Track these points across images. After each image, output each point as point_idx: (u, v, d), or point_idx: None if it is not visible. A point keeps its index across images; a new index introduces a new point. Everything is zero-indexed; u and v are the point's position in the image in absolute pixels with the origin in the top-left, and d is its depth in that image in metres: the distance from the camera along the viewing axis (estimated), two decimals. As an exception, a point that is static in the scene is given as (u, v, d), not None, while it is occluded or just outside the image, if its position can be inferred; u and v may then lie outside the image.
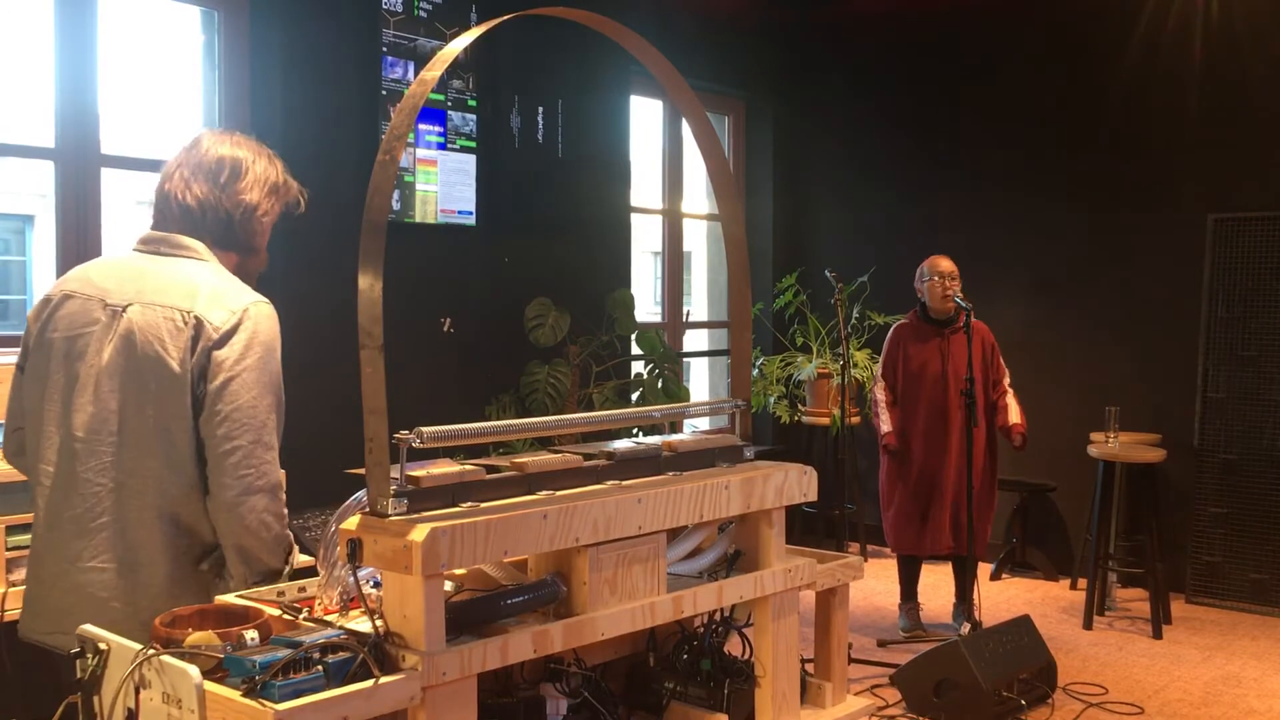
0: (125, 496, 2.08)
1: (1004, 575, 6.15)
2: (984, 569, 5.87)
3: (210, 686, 1.77)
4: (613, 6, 3.56)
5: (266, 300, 2.16)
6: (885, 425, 5.03)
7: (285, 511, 2.18)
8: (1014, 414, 4.97)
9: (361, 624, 2.03)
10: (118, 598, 2.11)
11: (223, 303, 2.06)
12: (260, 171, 2.19)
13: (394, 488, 1.98)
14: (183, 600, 2.09)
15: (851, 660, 4.28)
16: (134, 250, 2.15)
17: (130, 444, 2.07)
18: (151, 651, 1.84)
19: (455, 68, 5.06)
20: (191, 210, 2.10)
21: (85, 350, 2.07)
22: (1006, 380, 5.04)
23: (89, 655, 1.96)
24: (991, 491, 5.03)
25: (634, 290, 5.90)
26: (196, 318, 2.03)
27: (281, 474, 2.16)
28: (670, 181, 6.72)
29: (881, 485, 5.10)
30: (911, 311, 5.12)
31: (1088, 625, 5.21)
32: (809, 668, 2.85)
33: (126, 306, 2.05)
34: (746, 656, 2.59)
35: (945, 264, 4.98)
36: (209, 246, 2.14)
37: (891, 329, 5.16)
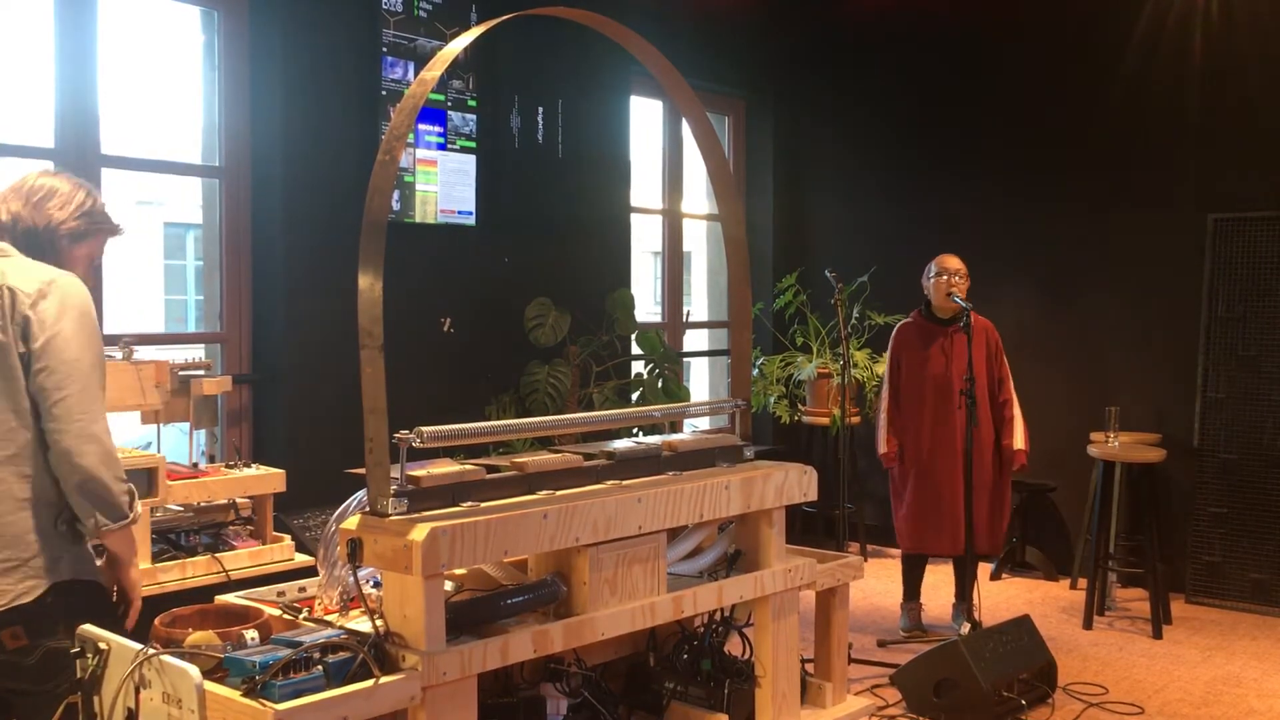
0: None
1: (1004, 575, 6.15)
2: (984, 569, 5.87)
3: (210, 686, 1.77)
4: (613, 6, 3.56)
5: (72, 274, 2.39)
6: (882, 445, 5.02)
7: (119, 456, 2.34)
8: (1019, 437, 4.93)
9: (361, 624, 2.03)
10: None
11: (32, 275, 2.32)
12: (70, 195, 2.47)
13: (394, 488, 1.98)
14: (37, 555, 2.27)
15: (851, 660, 4.27)
16: None
17: None
18: (152, 651, 1.84)
19: (455, 68, 5.05)
20: (3, 222, 2.41)
21: None
22: (1011, 386, 5.01)
23: (89, 655, 1.97)
24: (1004, 487, 4.99)
25: (634, 290, 5.89)
26: (9, 288, 2.28)
27: (108, 423, 2.36)
28: (670, 181, 6.72)
29: (893, 484, 5.08)
30: (915, 310, 5.11)
31: (1088, 625, 5.21)
32: (809, 668, 2.85)
33: None
34: (746, 656, 2.59)
35: (953, 262, 4.97)
36: (25, 255, 2.40)
37: (895, 328, 5.15)
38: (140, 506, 2.41)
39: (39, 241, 2.41)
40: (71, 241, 2.45)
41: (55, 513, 2.30)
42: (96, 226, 2.50)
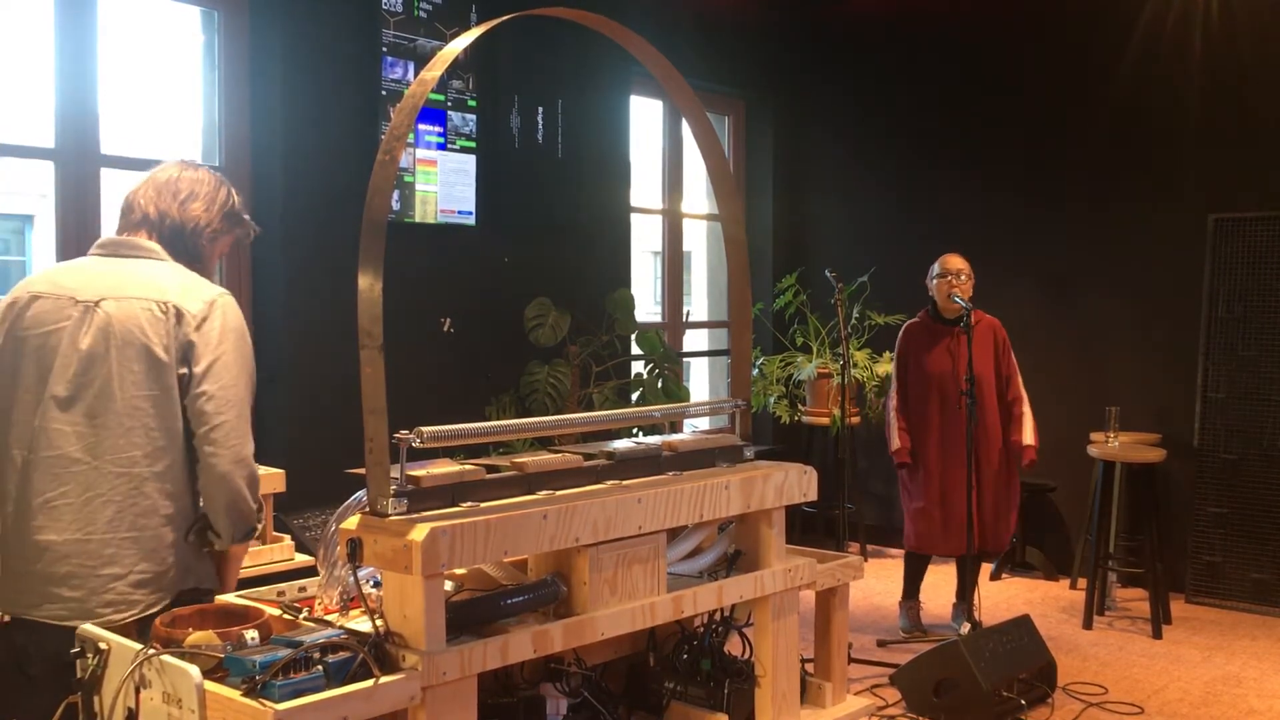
0: (102, 474, 2.23)
1: (1004, 575, 6.15)
2: (984, 569, 5.87)
3: (210, 686, 1.77)
4: (613, 6, 3.56)
5: (228, 292, 2.38)
6: (895, 441, 5.00)
7: (259, 478, 2.38)
8: (1028, 433, 4.92)
9: (361, 624, 2.03)
10: (84, 566, 2.24)
11: (195, 294, 2.29)
12: (215, 194, 2.44)
13: (394, 488, 1.98)
14: (171, 568, 2.30)
15: (851, 660, 4.27)
16: (93, 255, 2.38)
17: (111, 426, 2.22)
18: (152, 651, 1.84)
19: (455, 68, 5.05)
20: (150, 218, 2.37)
21: (59, 344, 2.25)
22: (1019, 383, 5.01)
23: (89, 655, 1.97)
24: (1012, 483, 4.99)
25: (634, 290, 5.89)
26: (175, 307, 2.25)
27: (253, 445, 2.38)
28: (670, 181, 6.72)
29: (903, 484, 5.07)
30: (923, 310, 5.11)
31: (1088, 625, 5.21)
32: (809, 668, 2.85)
33: (100, 301, 2.26)
34: (746, 656, 2.59)
35: (956, 262, 4.96)
36: (169, 256, 2.37)
37: (903, 328, 5.14)
38: (263, 517, 2.44)
39: (184, 242, 2.39)
40: (211, 240, 2.43)
41: (188, 526, 2.32)
42: (233, 225, 2.48)
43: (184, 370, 2.25)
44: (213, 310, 2.28)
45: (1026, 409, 4.95)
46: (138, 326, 2.23)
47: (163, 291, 2.26)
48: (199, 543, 2.35)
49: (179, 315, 2.24)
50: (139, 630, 2.24)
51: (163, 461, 2.26)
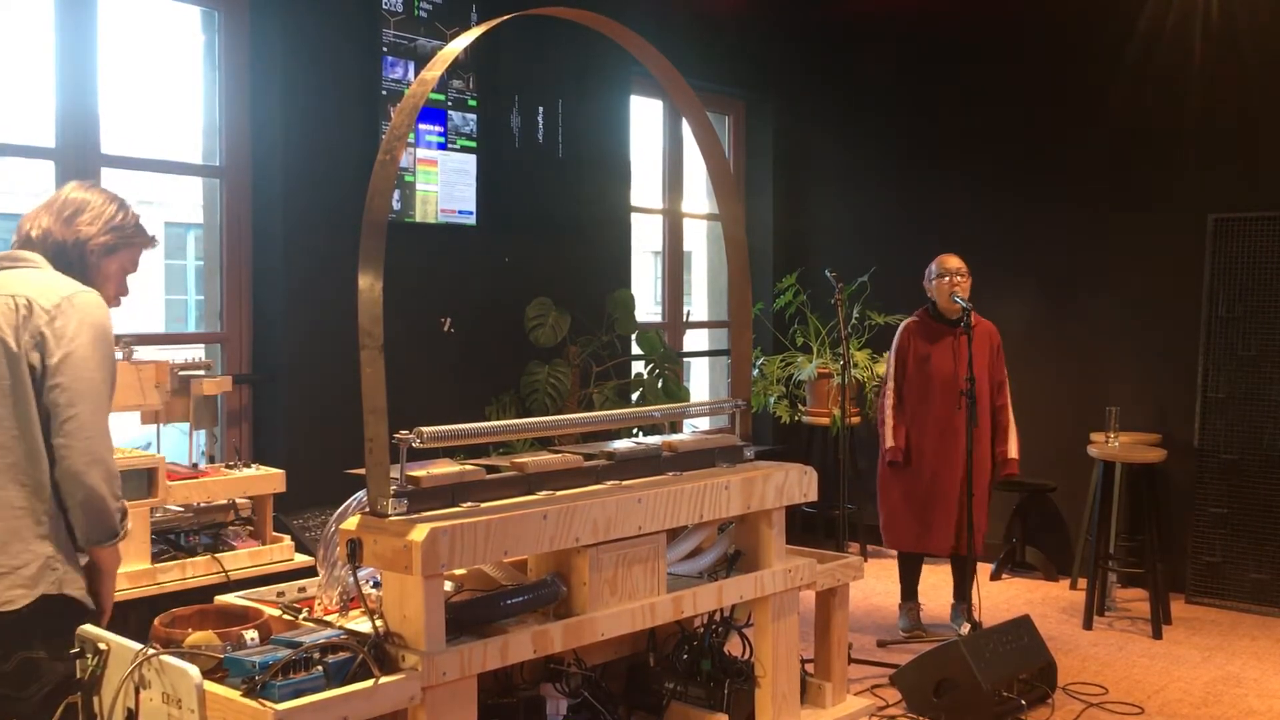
0: None
1: (1004, 575, 6.15)
2: (984, 569, 5.87)
3: (210, 686, 1.77)
4: (613, 6, 3.56)
5: (93, 290, 2.41)
6: (889, 439, 5.00)
7: (119, 476, 2.38)
8: (1013, 446, 4.95)
9: (361, 624, 2.03)
10: None
11: (53, 290, 2.34)
12: (100, 209, 2.49)
13: (394, 488, 1.98)
14: (28, 564, 2.28)
15: (851, 660, 4.27)
16: None
17: None
18: (151, 651, 1.84)
19: (455, 68, 5.05)
20: (33, 238, 2.44)
21: None
22: (1007, 392, 5.01)
23: (89, 655, 1.97)
24: (988, 490, 5.01)
25: (634, 290, 5.89)
26: (28, 300, 2.31)
27: (112, 441, 2.39)
28: (670, 181, 6.72)
29: (881, 479, 5.07)
30: (921, 310, 5.10)
31: (1088, 625, 5.21)
32: (809, 668, 2.85)
33: None
34: (746, 656, 2.59)
35: (953, 262, 4.96)
36: (52, 268, 2.42)
37: (900, 327, 5.13)
38: (130, 524, 2.44)
39: (68, 257, 2.43)
40: (102, 256, 2.47)
41: (51, 523, 2.30)
42: (127, 240, 2.51)
43: (36, 361, 2.28)
44: (69, 304, 2.31)
45: (1011, 419, 4.98)
46: None
47: (22, 288, 2.32)
48: (67, 545, 2.33)
49: (30, 307, 2.29)
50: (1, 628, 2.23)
51: (14, 453, 2.27)
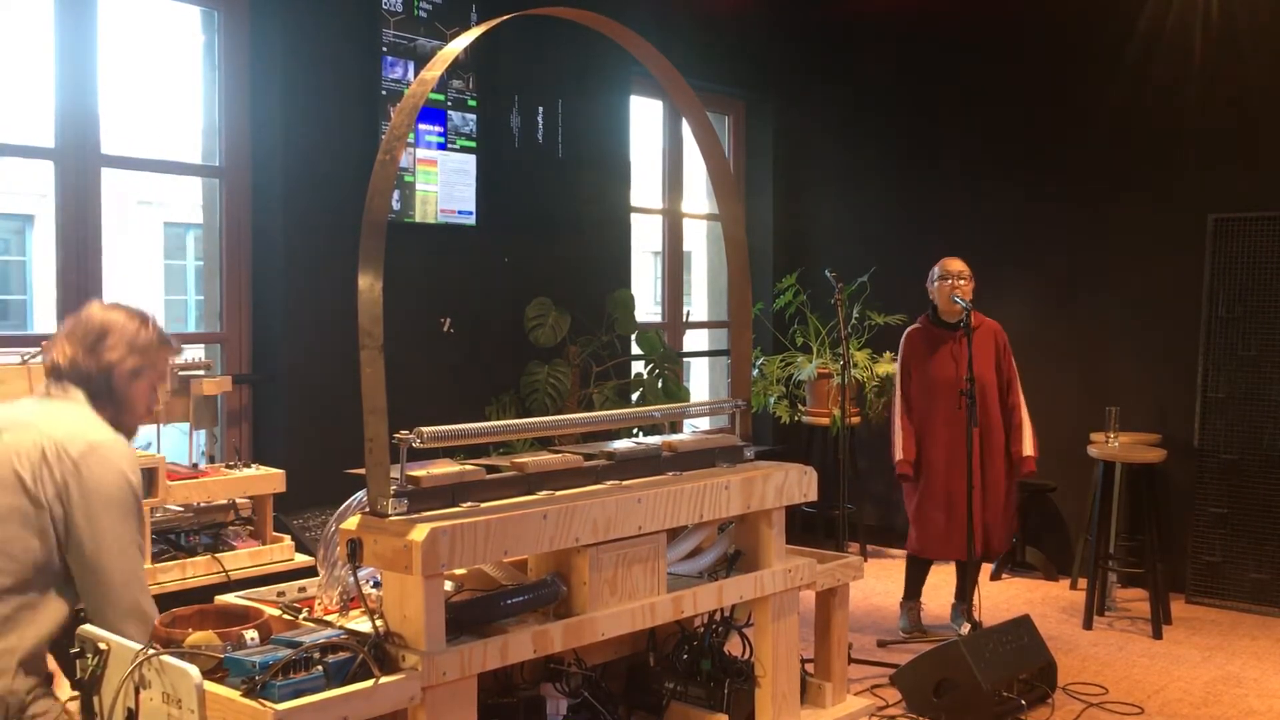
0: None
1: (1004, 575, 6.15)
2: (984, 569, 5.87)
3: (210, 686, 1.77)
4: (613, 6, 3.56)
5: (120, 436, 2.38)
6: (899, 452, 4.97)
7: (155, 609, 2.32)
8: (1028, 444, 4.90)
9: (361, 624, 2.03)
10: None
11: (80, 435, 2.29)
12: (122, 332, 2.45)
13: (394, 488, 1.98)
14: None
15: (851, 660, 4.27)
16: (33, 395, 2.47)
17: None
18: (151, 651, 1.84)
19: (455, 68, 5.05)
20: (62, 369, 2.41)
21: None
22: (1019, 389, 4.99)
23: (89, 655, 1.96)
24: (1012, 489, 4.97)
25: (634, 290, 5.89)
26: (55, 445, 2.26)
27: (149, 598, 2.33)
28: (670, 181, 6.72)
29: (906, 489, 5.05)
30: (922, 316, 5.09)
31: (1088, 625, 5.21)
32: (809, 668, 2.85)
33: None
34: (746, 656, 2.59)
35: (956, 264, 4.95)
36: (87, 398, 2.40)
37: (904, 335, 5.12)
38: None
39: (97, 386, 2.40)
40: (130, 381, 2.44)
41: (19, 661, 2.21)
42: (152, 360, 2.48)
43: (59, 514, 2.23)
44: (93, 452, 2.27)
45: (1025, 417, 4.95)
46: (16, 456, 2.25)
47: (52, 427, 2.28)
48: (35, 681, 2.25)
49: (57, 454, 2.25)
50: None
51: (9, 604, 2.19)
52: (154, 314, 2.53)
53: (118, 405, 2.41)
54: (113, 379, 2.40)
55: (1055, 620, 5.29)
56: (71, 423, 2.31)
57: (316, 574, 2.37)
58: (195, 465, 3.46)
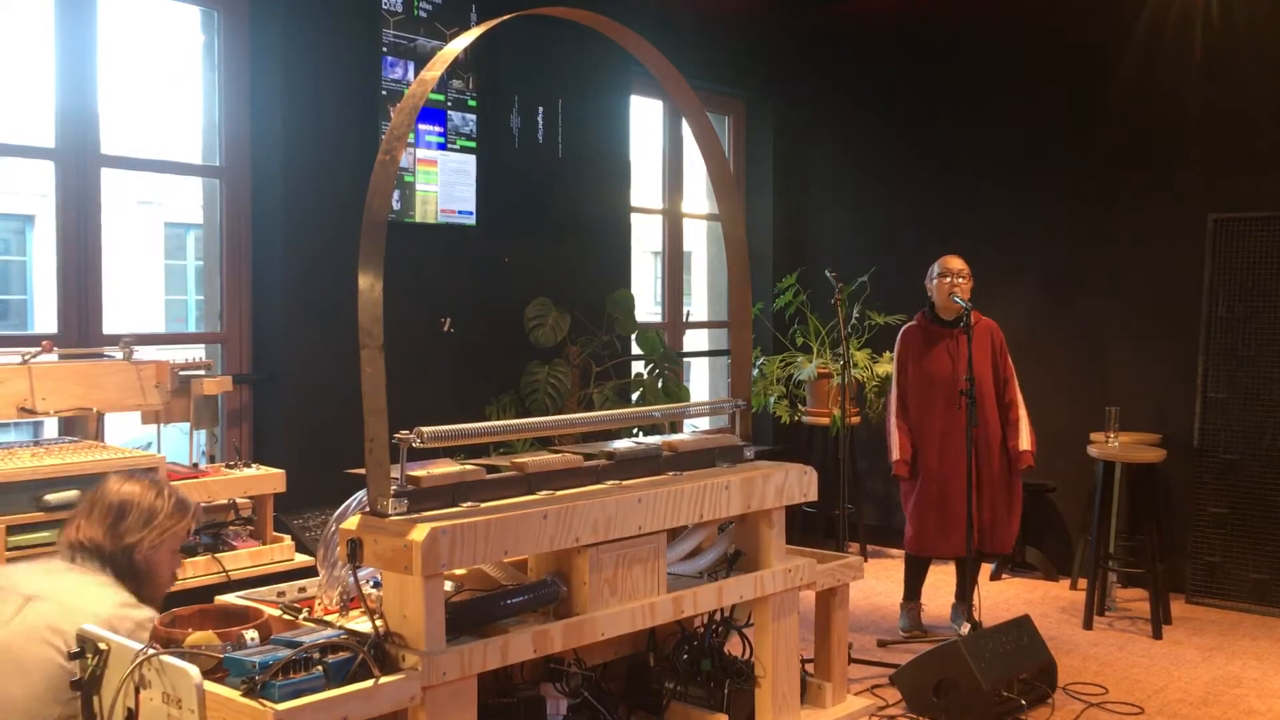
0: None
1: (1004, 575, 6.15)
2: (984, 569, 5.87)
3: (210, 686, 1.77)
4: (613, 6, 3.56)
5: (150, 617, 2.34)
6: (894, 451, 4.98)
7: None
8: (1025, 439, 4.90)
9: (361, 624, 2.03)
10: None
11: (102, 618, 2.21)
12: (139, 510, 2.47)
13: (394, 488, 1.98)
14: None
15: (851, 660, 4.27)
16: (57, 557, 2.46)
17: None
18: (151, 651, 1.84)
19: (455, 68, 5.05)
20: (85, 548, 2.42)
21: None
22: (1016, 386, 4.99)
23: (89, 655, 1.97)
24: (1015, 486, 4.97)
25: (634, 290, 5.89)
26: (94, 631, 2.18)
27: None
28: (670, 181, 6.72)
29: (904, 487, 5.05)
30: (919, 313, 5.09)
31: (1088, 625, 5.21)
32: (809, 668, 2.85)
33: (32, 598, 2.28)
34: (746, 656, 2.59)
35: (955, 263, 4.95)
36: (112, 577, 2.40)
37: (901, 332, 5.12)
38: None
39: (120, 566, 2.43)
40: (152, 553, 2.47)
41: None
42: (172, 531, 2.50)
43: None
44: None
45: (1023, 413, 4.95)
46: (55, 631, 2.20)
47: (80, 603, 2.25)
48: None
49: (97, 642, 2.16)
50: None
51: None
52: (167, 482, 2.57)
53: (140, 580, 2.44)
54: (134, 559, 2.44)
55: (1055, 620, 5.29)
56: (96, 603, 2.28)
57: (316, 574, 2.37)
58: (195, 465, 3.46)
